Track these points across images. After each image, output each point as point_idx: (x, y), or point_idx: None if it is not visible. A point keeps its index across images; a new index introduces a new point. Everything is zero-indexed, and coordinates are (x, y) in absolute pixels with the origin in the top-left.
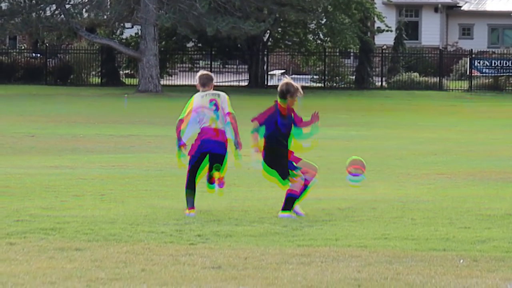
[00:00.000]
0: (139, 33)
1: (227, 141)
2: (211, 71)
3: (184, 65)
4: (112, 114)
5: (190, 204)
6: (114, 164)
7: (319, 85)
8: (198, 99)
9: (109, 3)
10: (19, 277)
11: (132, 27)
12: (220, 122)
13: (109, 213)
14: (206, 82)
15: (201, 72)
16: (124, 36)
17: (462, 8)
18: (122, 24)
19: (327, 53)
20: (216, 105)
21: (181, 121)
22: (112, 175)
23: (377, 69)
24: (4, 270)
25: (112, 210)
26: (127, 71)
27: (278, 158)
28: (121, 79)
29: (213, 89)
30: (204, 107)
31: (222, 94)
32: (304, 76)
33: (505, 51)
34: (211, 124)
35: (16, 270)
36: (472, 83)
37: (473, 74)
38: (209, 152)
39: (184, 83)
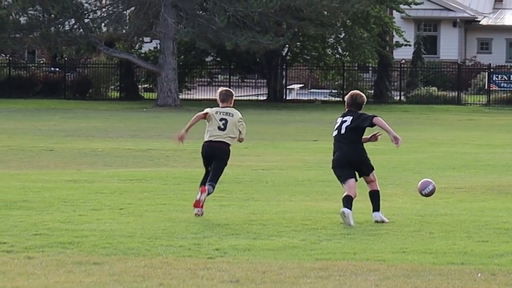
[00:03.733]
0: (158, 47)
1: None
2: (229, 85)
3: (203, 79)
4: (130, 128)
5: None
6: (133, 178)
7: (338, 99)
8: (213, 113)
9: (128, 17)
10: None
11: (151, 41)
12: (224, 138)
13: (128, 227)
14: (225, 98)
15: (221, 88)
16: (142, 51)
17: (480, 23)
18: (141, 39)
19: (345, 68)
20: (225, 124)
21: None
22: (130, 189)
23: (395, 84)
24: (22, 284)
25: (131, 224)
26: (146, 85)
27: None
28: (140, 93)
29: (232, 105)
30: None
31: (236, 114)
32: (322, 91)
33: None
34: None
35: (34, 284)
36: (490, 98)
37: (491, 89)
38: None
39: (203, 97)
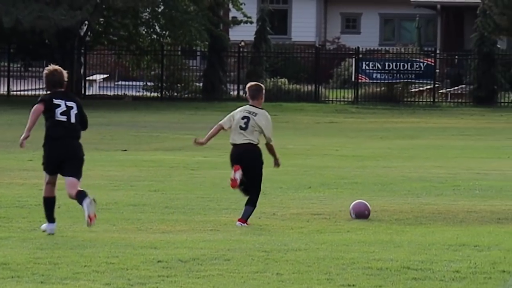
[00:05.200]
0: None
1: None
2: (8, 75)
3: None
4: None
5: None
6: None
7: (155, 94)
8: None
9: None
10: None
11: None
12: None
13: None
14: (255, 94)
15: (251, 83)
16: None
17: None
18: None
19: (165, 52)
20: (246, 123)
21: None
22: None
23: (232, 74)
24: None
25: None
26: None
27: None
28: None
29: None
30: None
31: (261, 113)
32: (135, 83)
33: (402, 50)
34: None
35: None
36: (359, 93)
37: (359, 81)
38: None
39: None
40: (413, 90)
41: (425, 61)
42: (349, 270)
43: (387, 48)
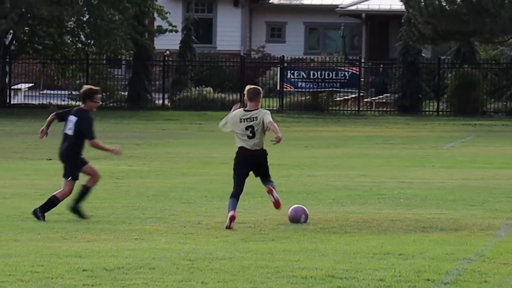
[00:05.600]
0: None
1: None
2: None
3: None
4: None
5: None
6: None
7: (80, 104)
8: (237, 120)
9: None
10: None
11: None
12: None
13: None
14: (253, 96)
15: (249, 86)
16: None
17: (270, 1)
18: None
19: (90, 61)
20: (252, 132)
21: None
22: None
23: (157, 83)
24: None
25: None
26: None
27: None
28: None
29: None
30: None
31: (260, 114)
32: (59, 92)
33: (327, 59)
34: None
35: None
36: (284, 101)
37: (285, 89)
38: None
39: None
40: (338, 99)
41: (350, 70)
42: (274, 278)
43: (312, 57)
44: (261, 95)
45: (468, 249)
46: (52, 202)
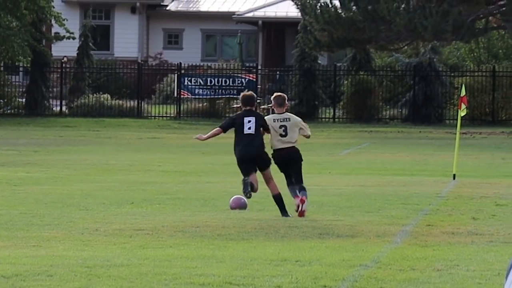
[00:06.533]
0: None
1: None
2: None
3: None
4: None
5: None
6: None
7: None
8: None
9: None
10: None
11: None
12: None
13: None
14: (282, 102)
15: (277, 93)
16: None
17: (167, 8)
18: None
19: None
20: (285, 131)
21: None
22: None
23: (55, 90)
24: None
25: None
26: None
27: None
28: None
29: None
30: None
31: (292, 117)
32: None
33: (224, 66)
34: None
35: None
36: (181, 108)
37: (182, 96)
38: None
39: None
40: (235, 106)
41: (246, 77)
42: (172, 285)
43: (209, 64)
44: (287, 101)
45: (365, 256)
46: None
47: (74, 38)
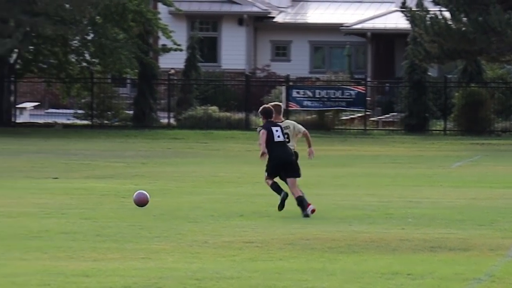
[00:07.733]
0: None
1: None
2: None
3: None
4: None
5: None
6: None
7: (85, 122)
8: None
9: None
10: None
11: None
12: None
13: None
14: (280, 110)
15: (274, 103)
16: None
17: (275, 20)
18: None
19: (95, 80)
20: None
21: None
22: None
23: (162, 102)
24: None
25: None
26: None
27: None
28: None
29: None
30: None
31: (291, 124)
32: (65, 111)
33: (333, 78)
34: None
35: None
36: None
37: (290, 108)
38: None
39: None
40: (344, 118)
41: (356, 89)
42: None
43: (317, 75)
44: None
45: (478, 269)
46: None
47: (181, 50)
